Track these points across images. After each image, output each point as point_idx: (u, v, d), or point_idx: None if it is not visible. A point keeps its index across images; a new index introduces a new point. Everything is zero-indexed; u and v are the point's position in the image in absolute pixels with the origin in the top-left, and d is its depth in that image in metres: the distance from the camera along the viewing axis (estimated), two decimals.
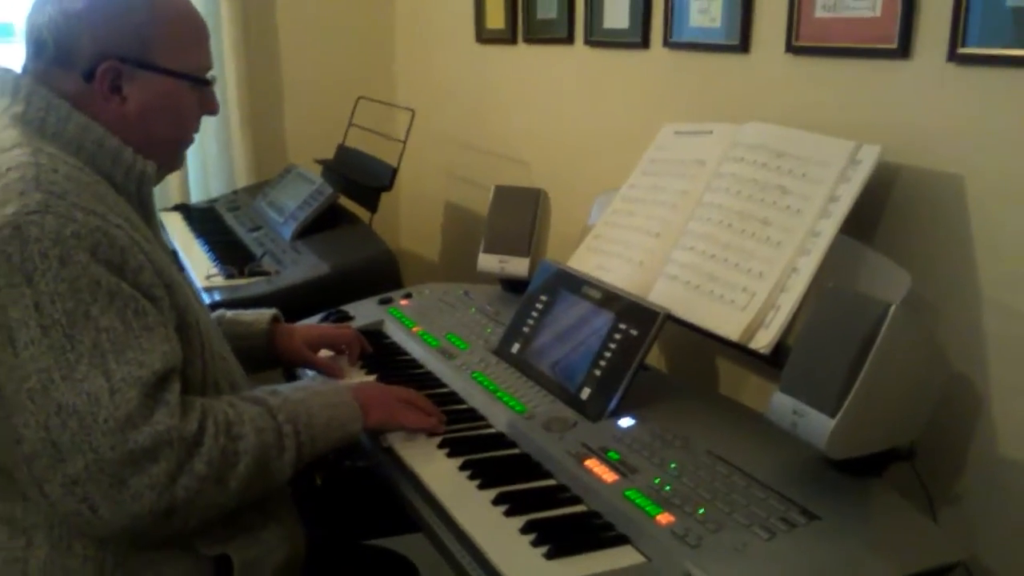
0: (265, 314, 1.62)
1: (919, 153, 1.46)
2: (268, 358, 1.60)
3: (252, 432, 1.15)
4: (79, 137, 1.17)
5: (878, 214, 1.51)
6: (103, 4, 1.18)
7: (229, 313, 1.61)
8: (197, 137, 1.34)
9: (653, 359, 1.67)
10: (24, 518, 1.11)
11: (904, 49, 1.47)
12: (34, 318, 1.02)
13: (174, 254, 1.35)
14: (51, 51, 1.19)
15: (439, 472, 1.28)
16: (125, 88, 1.21)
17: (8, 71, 1.20)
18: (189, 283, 1.34)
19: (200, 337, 1.21)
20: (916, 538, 1.09)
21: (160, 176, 1.29)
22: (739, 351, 1.47)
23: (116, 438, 1.02)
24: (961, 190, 1.40)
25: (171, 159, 1.31)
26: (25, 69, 1.22)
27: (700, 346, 1.86)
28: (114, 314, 1.06)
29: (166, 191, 3.05)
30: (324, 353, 1.66)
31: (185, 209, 2.89)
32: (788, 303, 1.39)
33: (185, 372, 1.17)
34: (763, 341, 1.40)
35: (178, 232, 2.64)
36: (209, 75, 1.29)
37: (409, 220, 3.47)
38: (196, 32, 1.28)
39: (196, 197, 3.13)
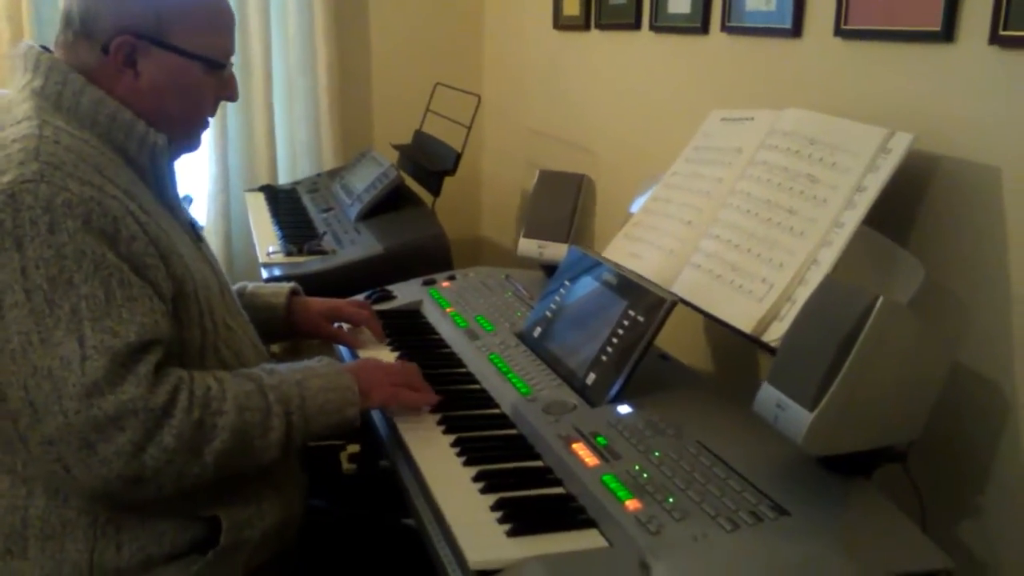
0: (284, 287, 1.67)
1: (958, 142, 1.38)
2: (285, 330, 1.65)
3: (233, 409, 1.16)
4: (93, 110, 1.23)
5: (912, 205, 1.43)
6: None
7: (250, 286, 1.66)
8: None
9: (678, 350, 1.63)
10: (24, 470, 1.17)
11: (948, 32, 1.39)
12: (19, 282, 1.07)
13: (192, 226, 1.40)
14: (76, 24, 1.25)
15: (430, 446, 1.29)
16: (140, 63, 1.26)
17: (32, 47, 1.27)
18: (204, 255, 1.39)
19: (199, 306, 1.24)
20: (891, 541, 1.03)
21: (177, 153, 1.34)
22: (755, 344, 1.42)
23: (82, 403, 1.06)
24: (997, 182, 1.31)
25: (185, 137, 1.35)
26: (56, 42, 1.29)
27: (724, 335, 1.81)
28: (97, 283, 1.10)
29: (254, 172, 3.17)
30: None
31: (269, 190, 3.00)
32: (805, 296, 1.33)
33: (182, 338, 1.21)
34: (776, 334, 1.35)
35: (258, 211, 2.74)
36: (225, 60, 1.33)
37: (490, 207, 3.49)
38: (215, 17, 1.32)
39: (283, 179, 3.24)
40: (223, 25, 1.33)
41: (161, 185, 1.31)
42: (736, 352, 1.91)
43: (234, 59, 1.37)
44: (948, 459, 1.33)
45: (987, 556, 1.33)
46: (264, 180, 3.16)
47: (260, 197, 2.93)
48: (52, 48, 1.29)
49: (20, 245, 1.08)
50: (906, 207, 1.44)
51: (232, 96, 1.36)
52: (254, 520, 1.26)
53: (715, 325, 1.46)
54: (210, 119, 1.38)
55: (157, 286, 1.17)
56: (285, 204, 2.82)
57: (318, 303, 1.70)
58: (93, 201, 1.12)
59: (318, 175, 3.14)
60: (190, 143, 1.37)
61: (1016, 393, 1.29)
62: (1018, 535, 1.31)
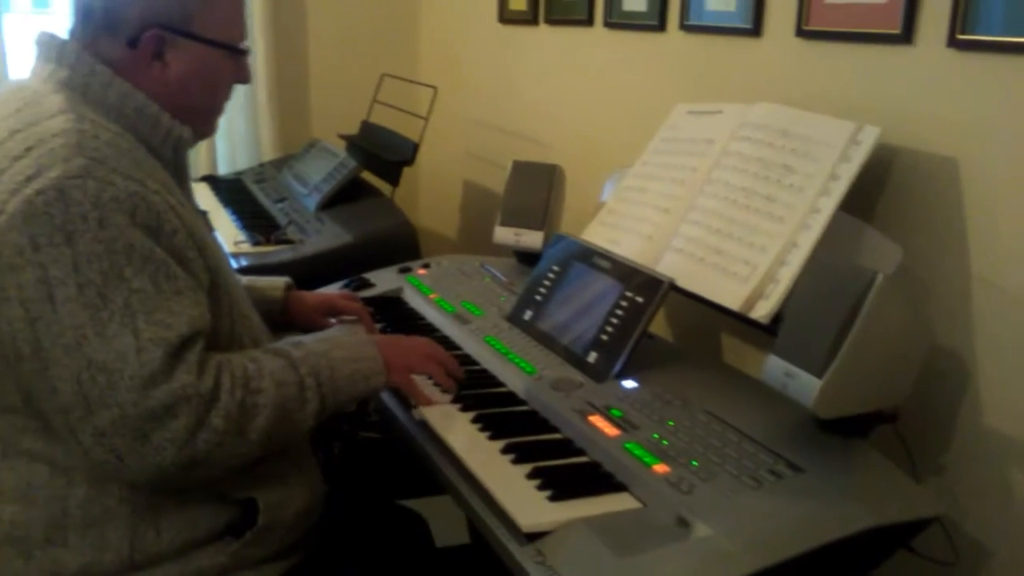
0: (279, 282, 1.70)
1: (918, 136, 1.52)
2: (282, 323, 1.68)
3: (272, 386, 1.20)
4: (120, 103, 1.24)
5: (877, 193, 1.58)
6: None
7: (244, 279, 1.68)
8: (225, 111, 1.41)
9: (660, 332, 1.74)
10: (64, 459, 1.17)
11: (907, 34, 1.53)
12: (72, 277, 1.08)
13: (204, 215, 1.42)
14: (99, 18, 1.25)
15: (453, 425, 1.36)
16: (167, 55, 1.27)
17: (54, 37, 1.27)
18: (219, 245, 1.41)
19: (228, 296, 1.27)
20: (895, 493, 1.17)
21: (194, 141, 1.36)
22: (741, 321, 1.54)
23: (139, 395, 1.08)
24: (955, 173, 1.46)
25: (205, 126, 1.38)
26: (72, 35, 1.28)
27: (706, 319, 1.94)
28: (146, 277, 1.12)
29: (195, 162, 3.14)
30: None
31: (212, 180, 2.98)
32: (787, 276, 1.46)
33: (214, 328, 1.23)
34: (762, 311, 1.47)
35: (206, 201, 2.73)
36: (244, 45, 1.36)
37: (428, 196, 3.55)
38: (235, 3, 1.34)
39: (223, 170, 3.22)
40: (241, 10, 1.36)
41: (181, 176, 1.33)
42: (698, 327, 2.04)
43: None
44: (921, 420, 1.48)
45: (963, 503, 1.49)
46: (205, 171, 3.13)
47: (204, 187, 2.92)
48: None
49: (71, 240, 1.09)
50: (870, 194, 1.58)
51: (247, 79, 1.38)
52: (286, 501, 1.30)
53: (677, 306, 1.56)
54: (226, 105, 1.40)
55: (197, 277, 1.19)
56: (233, 194, 2.81)
57: (312, 297, 1.73)
58: (138, 196, 1.13)
59: (261, 165, 3.14)
60: (208, 130, 1.39)
61: (976, 363, 1.44)
62: (977, 483, 1.47)
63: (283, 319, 1.69)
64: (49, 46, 1.26)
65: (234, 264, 2.16)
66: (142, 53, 1.26)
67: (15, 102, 1.22)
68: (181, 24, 1.27)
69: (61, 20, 3.00)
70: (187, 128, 1.30)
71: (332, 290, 1.94)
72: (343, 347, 1.33)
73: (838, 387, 1.17)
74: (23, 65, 2.71)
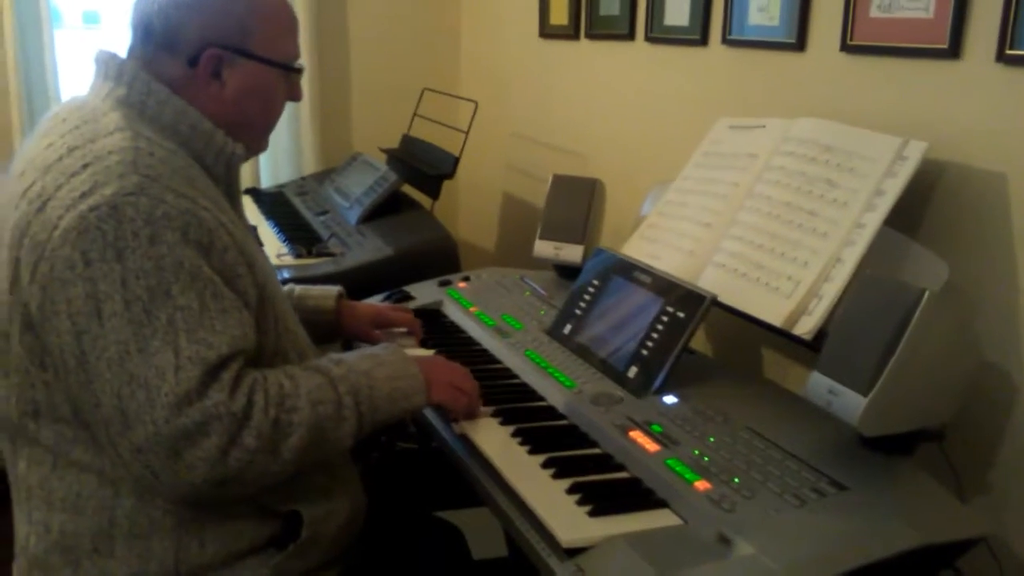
0: (332, 291, 1.71)
1: (966, 151, 1.50)
2: (333, 333, 1.70)
3: (307, 405, 1.20)
4: (175, 121, 1.26)
5: (923, 208, 1.56)
6: None
7: (298, 288, 1.71)
8: None
9: (700, 347, 1.73)
10: (112, 471, 1.19)
11: (955, 49, 1.52)
12: (120, 292, 1.10)
13: (254, 230, 1.44)
14: (159, 37, 1.27)
15: (492, 438, 1.36)
16: (224, 74, 1.29)
17: (114, 56, 1.29)
18: (267, 260, 1.43)
19: (275, 311, 1.28)
20: (940, 512, 1.15)
21: (247, 157, 1.38)
22: (783, 337, 1.53)
23: (172, 412, 1.09)
24: (1004, 188, 1.44)
25: (258, 142, 1.40)
26: (130, 53, 1.30)
27: (746, 335, 1.92)
28: (193, 294, 1.13)
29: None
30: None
31: (255, 193, 3.02)
32: (831, 292, 1.45)
33: (260, 343, 1.23)
34: (806, 327, 1.45)
35: (249, 214, 2.74)
36: (298, 64, 1.38)
37: (468, 209, 3.57)
38: (290, 23, 1.37)
39: (266, 182, 3.27)
40: (295, 29, 1.38)
41: (232, 192, 1.35)
42: (739, 342, 2.02)
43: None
44: (967, 438, 1.45)
45: (1009, 523, 1.46)
46: (248, 184, 3.17)
47: (247, 200, 2.95)
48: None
49: (121, 256, 1.10)
50: (915, 210, 1.56)
51: (298, 96, 1.40)
52: (330, 515, 1.30)
53: (716, 321, 1.55)
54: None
55: (245, 294, 1.20)
56: (275, 207, 2.85)
57: (366, 308, 1.75)
58: (189, 213, 1.14)
59: (303, 178, 3.17)
60: (260, 147, 1.41)
61: None
62: (1019, 509, 1.44)
63: (335, 329, 1.70)
64: (108, 64, 1.29)
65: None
66: (201, 72, 1.28)
67: (75, 120, 1.24)
68: (239, 43, 1.29)
69: (112, 35, 3.06)
70: (240, 145, 1.32)
71: (374, 302, 1.96)
72: (385, 365, 1.32)
73: (883, 405, 1.16)
74: (74, 79, 2.78)
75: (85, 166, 1.16)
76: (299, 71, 1.38)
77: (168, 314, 1.11)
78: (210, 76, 1.28)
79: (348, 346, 1.83)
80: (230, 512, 1.24)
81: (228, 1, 1.28)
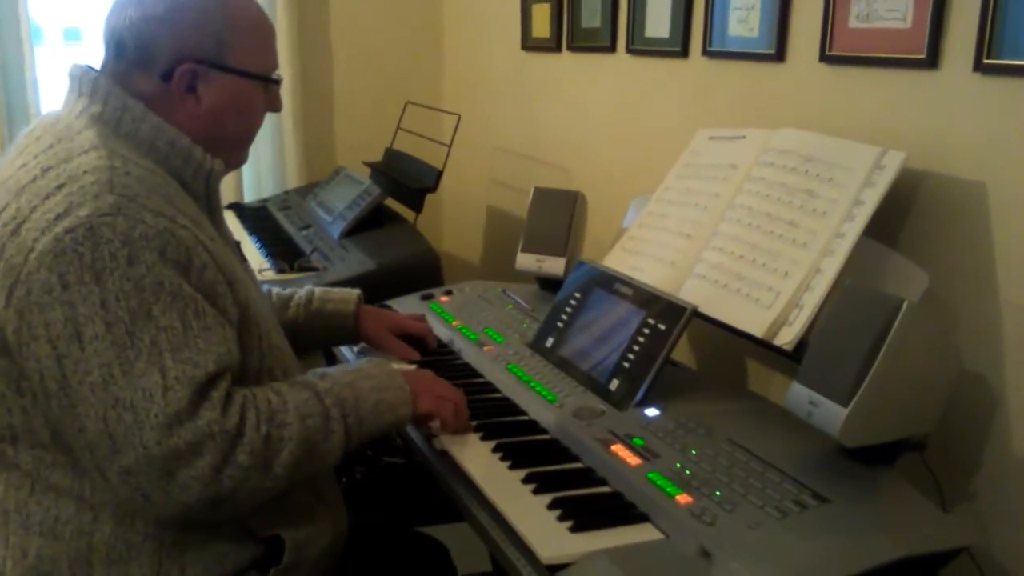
0: (351, 293, 1.71)
1: (945, 160, 1.50)
2: (353, 337, 1.70)
3: (296, 419, 1.19)
4: (152, 138, 1.24)
5: (902, 218, 1.56)
6: (182, 9, 1.25)
7: (318, 291, 1.70)
8: None
9: (683, 358, 1.73)
10: (91, 495, 1.17)
11: (933, 59, 1.52)
12: (100, 315, 1.08)
13: (237, 246, 1.43)
14: (131, 53, 1.25)
15: (473, 454, 1.35)
16: (200, 88, 1.27)
17: (88, 70, 1.27)
18: (252, 276, 1.41)
19: (258, 329, 1.27)
20: (922, 523, 1.14)
21: (226, 172, 1.36)
22: (764, 348, 1.52)
23: (162, 433, 1.08)
24: (983, 197, 1.44)
25: (237, 156, 1.38)
26: (103, 69, 1.28)
27: (729, 346, 1.92)
28: (175, 314, 1.11)
29: (221, 190, 3.16)
30: None
31: (238, 208, 3.01)
32: (811, 302, 1.45)
33: (244, 361, 1.22)
34: (786, 338, 1.45)
35: (231, 229, 2.74)
36: (276, 75, 1.36)
37: (451, 223, 3.56)
38: (266, 35, 1.34)
39: (249, 197, 3.25)
40: (272, 40, 1.36)
41: (212, 208, 1.34)
42: (721, 354, 2.02)
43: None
44: (949, 448, 1.45)
45: (992, 532, 1.46)
46: (231, 199, 3.16)
47: (230, 215, 2.93)
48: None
49: (99, 278, 1.08)
50: (895, 220, 1.56)
51: (278, 107, 1.38)
52: (312, 539, 1.29)
53: (699, 333, 1.55)
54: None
55: (226, 313, 1.19)
56: (258, 222, 2.84)
57: (388, 316, 1.75)
58: (167, 232, 1.13)
59: (286, 192, 3.16)
60: (239, 160, 1.40)
61: (1006, 389, 1.41)
62: (1007, 511, 1.43)
63: (355, 333, 1.70)
64: (82, 80, 1.27)
65: None
66: (175, 87, 1.26)
67: (48, 138, 1.22)
68: (215, 57, 1.27)
69: (92, 53, 3.04)
70: (219, 160, 1.30)
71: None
72: (370, 377, 1.32)
73: (864, 416, 1.15)
74: (54, 96, 2.76)
75: (60, 187, 1.14)
76: (278, 82, 1.36)
77: (151, 335, 1.10)
78: (184, 91, 1.26)
79: (330, 359, 1.82)
80: (212, 536, 1.22)
81: (202, 14, 1.26)
